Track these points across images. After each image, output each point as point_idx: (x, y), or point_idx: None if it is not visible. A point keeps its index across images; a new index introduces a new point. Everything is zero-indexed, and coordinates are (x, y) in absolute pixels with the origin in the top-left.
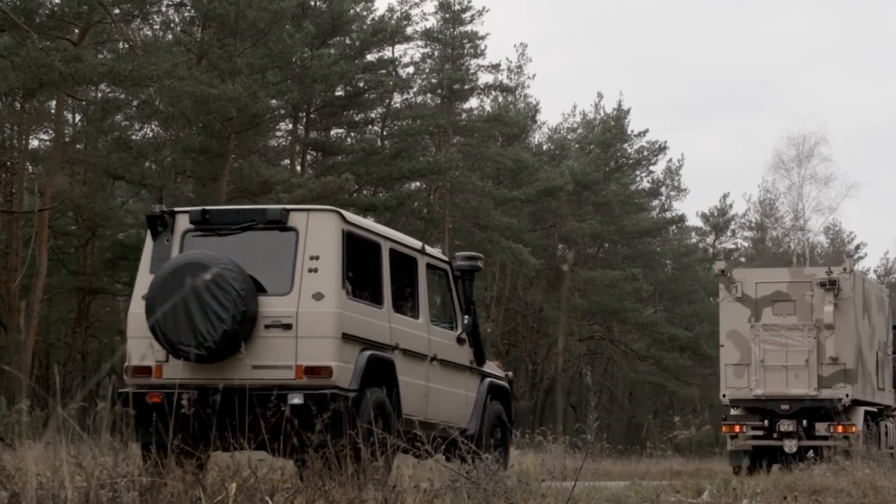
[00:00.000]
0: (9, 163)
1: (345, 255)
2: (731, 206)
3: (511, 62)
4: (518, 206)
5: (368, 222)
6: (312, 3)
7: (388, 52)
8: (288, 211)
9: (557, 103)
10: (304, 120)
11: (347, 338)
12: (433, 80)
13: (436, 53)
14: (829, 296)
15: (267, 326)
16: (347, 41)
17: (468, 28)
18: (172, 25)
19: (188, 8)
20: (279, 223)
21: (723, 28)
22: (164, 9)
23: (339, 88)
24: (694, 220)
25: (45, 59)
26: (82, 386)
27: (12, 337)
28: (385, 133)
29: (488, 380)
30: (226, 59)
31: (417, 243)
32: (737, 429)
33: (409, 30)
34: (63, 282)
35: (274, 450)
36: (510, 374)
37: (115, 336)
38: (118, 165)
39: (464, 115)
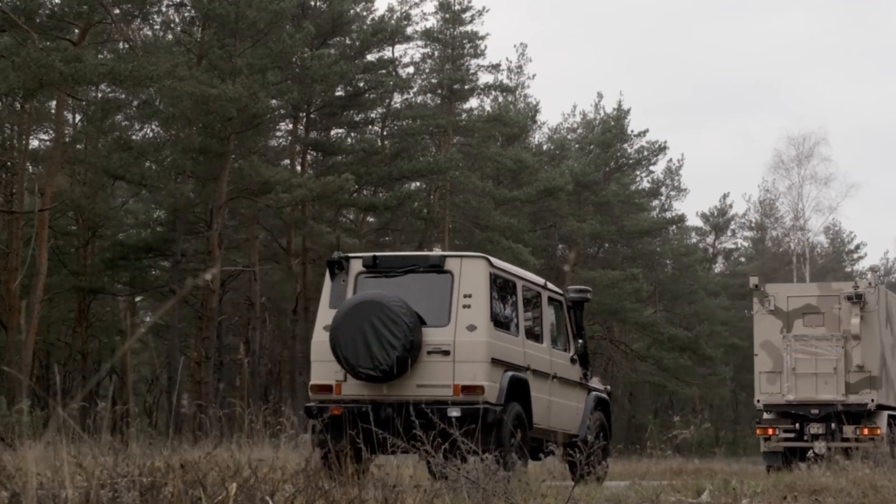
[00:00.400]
0: (9, 163)
1: (491, 293)
2: (731, 206)
3: (511, 62)
4: (518, 206)
5: (507, 265)
6: (312, 3)
7: (388, 53)
8: (445, 257)
9: (557, 103)
10: (304, 120)
11: (494, 361)
12: (433, 81)
13: (436, 53)
14: (855, 308)
15: (429, 352)
16: (347, 41)
17: (468, 28)
18: (172, 25)
19: (188, 8)
20: (437, 267)
21: (723, 28)
22: (164, 9)
23: (339, 88)
24: (694, 220)
25: (45, 60)
26: (82, 386)
27: (12, 337)
28: (385, 133)
29: (594, 393)
30: (226, 59)
31: (541, 280)
32: (770, 431)
33: (409, 30)
34: (63, 282)
35: (428, 452)
36: (608, 387)
37: (115, 336)
38: (118, 165)
39: (464, 116)
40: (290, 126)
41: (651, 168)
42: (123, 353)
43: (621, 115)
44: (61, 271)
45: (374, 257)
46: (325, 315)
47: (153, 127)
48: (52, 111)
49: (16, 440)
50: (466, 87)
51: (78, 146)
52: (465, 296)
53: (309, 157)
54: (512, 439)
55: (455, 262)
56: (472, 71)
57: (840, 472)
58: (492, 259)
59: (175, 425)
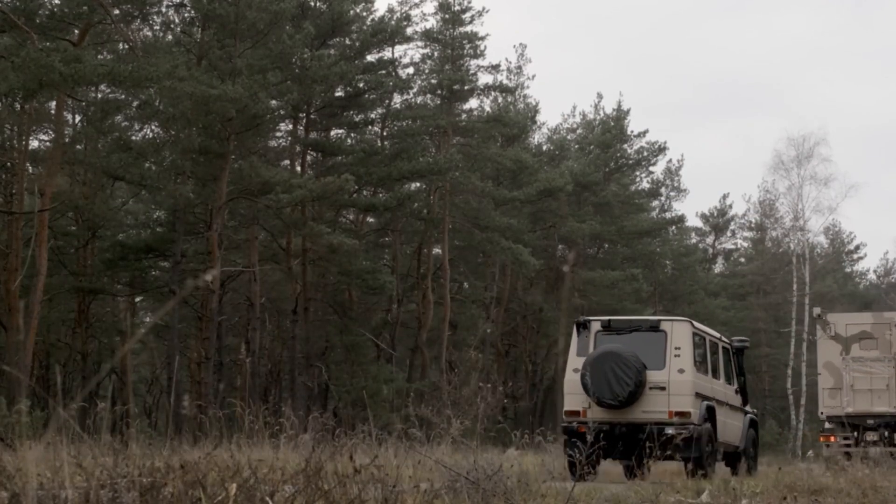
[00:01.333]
0: (9, 163)
1: (693, 346)
2: (730, 206)
3: (510, 63)
4: (518, 206)
5: (701, 326)
6: (312, 3)
7: (387, 53)
8: (660, 321)
9: (557, 104)
10: (304, 120)
11: (697, 395)
12: (433, 81)
13: (435, 54)
14: None
15: (651, 388)
16: (347, 42)
17: (468, 29)
18: (172, 26)
19: (188, 9)
20: (655, 328)
21: (723, 28)
22: (163, 9)
23: (338, 89)
24: (694, 221)
25: (45, 60)
26: (82, 386)
27: (12, 337)
28: (385, 133)
29: (748, 415)
30: (226, 59)
31: (717, 334)
32: (832, 438)
33: (408, 30)
34: (63, 282)
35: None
36: (756, 411)
37: (115, 336)
38: (118, 166)
39: (464, 116)
40: (290, 126)
41: (651, 168)
42: (124, 354)
43: (621, 115)
44: (61, 272)
45: (609, 321)
46: (573, 361)
47: (153, 127)
48: (52, 111)
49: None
50: (466, 87)
51: (78, 147)
52: (675, 348)
53: (309, 157)
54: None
55: (668, 324)
56: (471, 71)
57: (840, 473)
58: (693, 322)
59: (175, 426)
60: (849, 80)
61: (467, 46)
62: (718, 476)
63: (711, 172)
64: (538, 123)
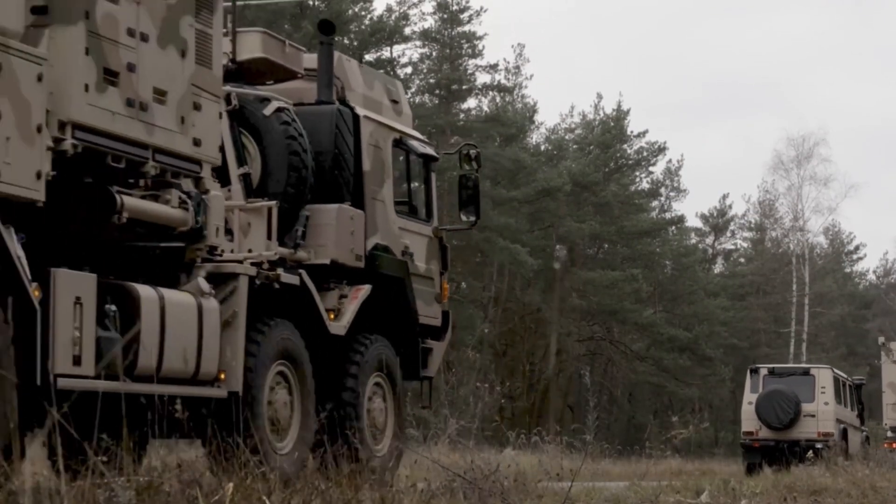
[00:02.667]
0: None
1: (835, 386)
2: (730, 206)
3: (509, 62)
4: (516, 206)
5: (838, 371)
6: (311, 2)
7: (386, 53)
8: (809, 368)
9: (555, 104)
10: None
11: (836, 420)
12: (431, 81)
13: (434, 54)
14: None
15: (804, 416)
16: (346, 41)
17: (466, 28)
18: None
19: None
20: (806, 373)
21: (723, 28)
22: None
23: None
24: (693, 221)
25: None
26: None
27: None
28: None
29: (864, 433)
30: None
31: (845, 375)
32: (894, 445)
33: (407, 30)
34: None
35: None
36: (867, 429)
37: None
38: None
39: (462, 116)
40: None
41: (650, 169)
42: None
43: (621, 115)
44: None
45: (773, 368)
46: (748, 396)
47: None
48: None
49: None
50: (464, 87)
51: None
52: (821, 387)
53: None
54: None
55: (815, 370)
56: (469, 71)
57: (840, 473)
58: (833, 368)
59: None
60: (849, 79)
61: (465, 46)
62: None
63: (711, 172)
64: (536, 123)
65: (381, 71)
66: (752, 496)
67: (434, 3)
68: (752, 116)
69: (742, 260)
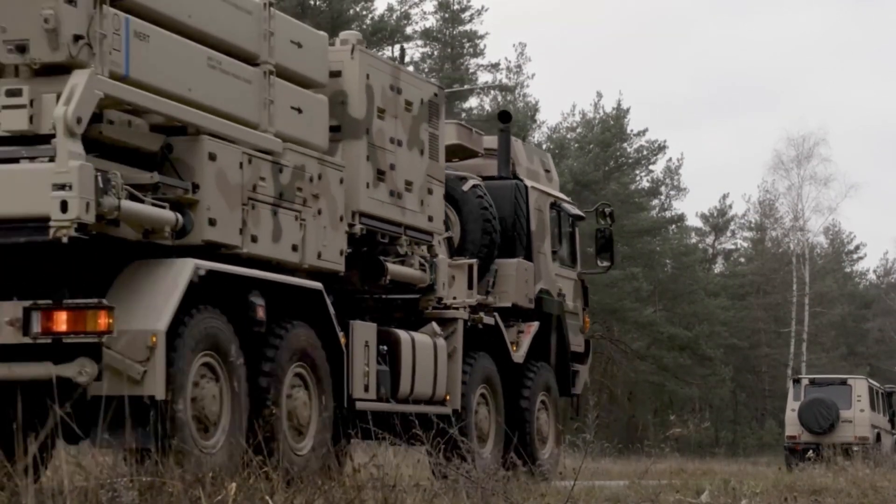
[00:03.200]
0: None
1: (870, 394)
2: (730, 206)
3: (510, 62)
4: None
5: (872, 381)
6: (312, 2)
7: (387, 52)
8: (846, 378)
9: (557, 103)
10: None
11: (872, 426)
12: (432, 80)
13: (435, 53)
14: None
15: (842, 422)
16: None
17: (467, 27)
18: None
19: None
20: (844, 382)
21: (723, 28)
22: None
23: None
24: (693, 220)
25: None
26: None
27: None
28: None
29: (894, 437)
30: None
31: (878, 384)
32: None
33: (408, 29)
34: None
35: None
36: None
37: None
38: None
39: (463, 115)
40: None
41: (650, 167)
42: None
43: (621, 114)
44: None
45: (814, 378)
46: (791, 404)
47: None
48: None
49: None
50: (465, 86)
51: None
52: (857, 396)
53: None
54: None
55: (852, 380)
56: (471, 70)
57: (840, 472)
58: (868, 378)
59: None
60: (850, 79)
61: (467, 45)
62: (720, 475)
63: (711, 172)
64: (538, 122)
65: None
66: (753, 496)
67: (435, 3)
68: (753, 116)
69: (742, 259)
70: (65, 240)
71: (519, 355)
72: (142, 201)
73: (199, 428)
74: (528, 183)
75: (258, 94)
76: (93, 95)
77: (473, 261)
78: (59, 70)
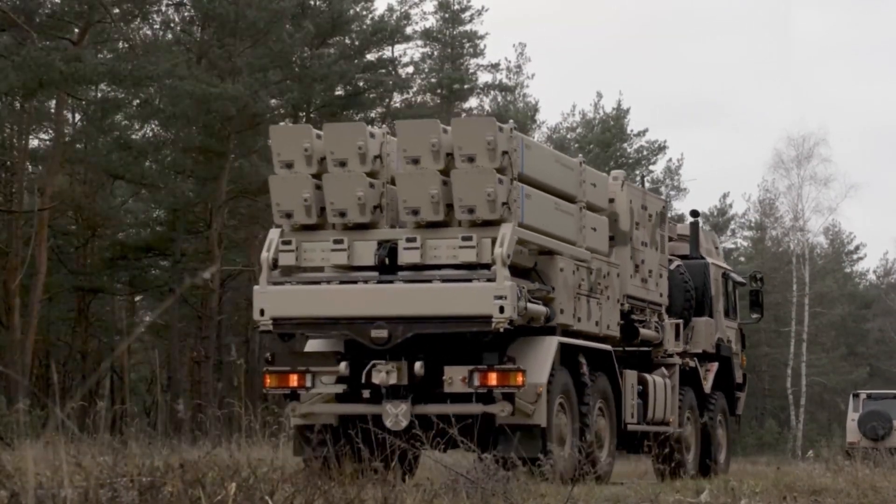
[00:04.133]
0: (9, 162)
1: None
2: (730, 205)
3: (510, 62)
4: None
5: None
6: (312, 2)
7: (387, 52)
8: None
9: (557, 103)
10: (305, 119)
11: None
12: (433, 80)
13: (435, 53)
14: None
15: (895, 430)
16: (347, 41)
17: (467, 28)
18: (172, 25)
19: (188, 7)
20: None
21: (722, 28)
22: (163, 8)
23: (339, 88)
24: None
25: (45, 59)
26: (82, 385)
27: (12, 336)
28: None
29: None
30: (226, 58)
31: None
32: None
33: (408, 29)
34: (63, 281)
35: None
36: None
37: (114, 336)
38: (118, 165)
39: (463, 115)
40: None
41: (651, 167)
42: (122, 352)
43: (621, 114)
44: (61, 271)
45: (870, 393)
46: (851, 415)
47: (153, 126)
48: (52, 110)
49: (15, 439)
50: (466, 86)
51: (78, 145)
52: None
53: None
54: None
55: None
56: (471, 70)
57: (840, 472)
58: None
59: (174, 425)
60: (850, 78)
61: (467, 45)
62: (720, 476)
63: (711, 172)
64: (538, 122)
65: (383, 70)
66: (752, 496)
67: (435, 3)
68: (753, 115)
69: (742, 259)
70: (501, 330)
71: (707, 387)
72: (534, 302)
73: (559, 443)
74: (710, 260)
75: (577, 222)
76: (514, 239)
77: (680, 321)
78: (493, 223)
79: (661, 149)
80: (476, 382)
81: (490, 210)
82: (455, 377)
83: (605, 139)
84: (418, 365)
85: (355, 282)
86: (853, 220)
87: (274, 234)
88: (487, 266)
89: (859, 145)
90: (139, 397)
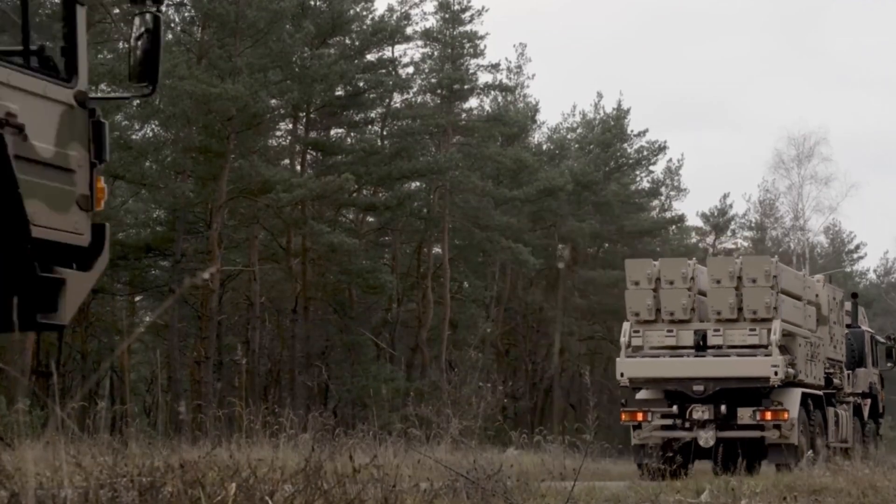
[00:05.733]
0: None
1: None
2: (731, 205)
3: (510, 62)
4: (518, 205)
5: None
6: (312, 2)
7: (387, 52)
8: None
9: (557, 103)
10: (304, 120)
11: None
12: (433, 80)
13: (435, 53)
14: None
15: None
16: (347, 41)
17: (468, 28)
18: (172, 25)
19: (188, 7)
20: None
21: (724, 27)
22: (163, 8)
23: (339, 88)
24: (694, 220)
25: None
26: (82, 385)
27: (12, 336)
28: (385, 133)
29: None
30: (226, 58)
31: None
32: None
33: (408, 30)
34: None
35: None
36: None
37: (115, 336)
38: (118, 165)
39: (463, 115)
40: (290, 125)
41: (651, 168)
42: (122, 352)
43: (621, 114)
44: None
45: None
46: None
47: (153, 126)
48: None
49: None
50: (466, 86)
51: None
52: None
53: (309, 156)
54: None
55: None
56: (471, 71)
57: (839, 472)
58: None
59: (174, 425)
60: (850, 77)
61: (467, 45)
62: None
63: (711, 172)
64: (538, 122)
65: (383, 71)
66: (753, 496)
67: (435, 3)
68: (752, 115)
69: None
70: (775, 385)
71: (865, 416)
72: (789, 367)
73: (801, 455)
74: (864, 328)
75: (803, 312)
76: (781, 330)
77: (849, 371)
78: (767, 320)
79: (662, 149)
80: (758, 417)
81: (766, 312)
82: (745, 414)
83: (605, 139)
84: (722, 407)
85: (681, 356)
86: (854, 220)
87: (626, 326)
88: (765, 346)
89: (860, 145)
90: (139, 397)
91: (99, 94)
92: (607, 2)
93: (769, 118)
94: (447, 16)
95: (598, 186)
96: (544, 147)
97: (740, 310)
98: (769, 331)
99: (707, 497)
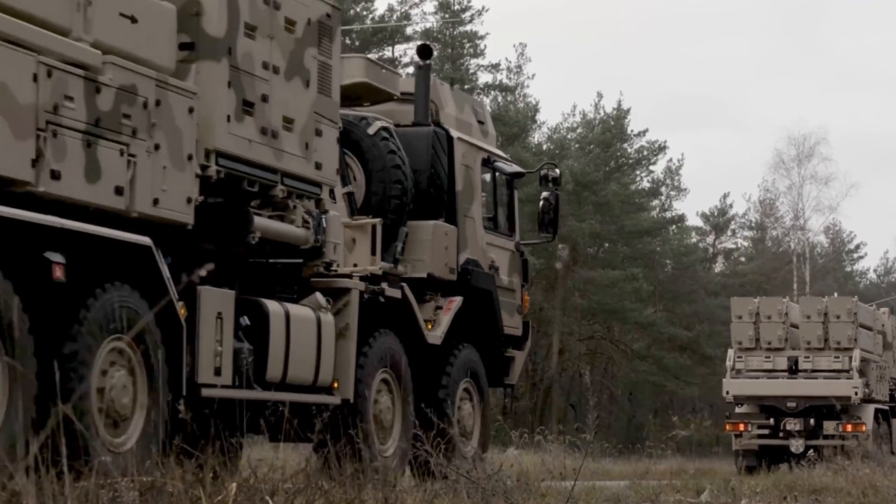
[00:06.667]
0: None
1: None
2: (731, 205)
3: (510, 62)
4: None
5: None
6: None
7: (388, 52)
8: None
9: (557, 103)
10: None
11: None
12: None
13: (435, 53)
14: None
15: None
16: (347, 41)
17: (468, 28)
18: None
19: None
20: None
21: (724, 27)
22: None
23: None
24: (694, 220)
25: None
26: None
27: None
28: None
29: None
30: None
31: None
32: None
33: (408, 30)
34: None
35: None
36: None
37: None
38: None
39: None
40: None
41: (651, 168)
42: None
43: (621, 114)
44: None
45: None
46: None
47: None
48: None
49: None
50: (466, 86)
51: None
52: None
53: None
54: None
55: None
56: (471, 71)
57: (840, 472)
58: None
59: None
60: (850, 77)
61: (467, 46)
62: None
63: (711, 172)
64: (538, 122)
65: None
66: (753, 495)
67: (435, 3)
68: (752, 115)
69: (742, 259)
70: (855, 403)
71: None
72: (866, 388)
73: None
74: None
75: (873, 339)
76: (859, 357)
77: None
78: (849, 349)
79: (662, 149)
80: (840, 429)
81: (848, 343)
82: (829, 427)
83: (605, 139)
84: (811, 420)
85: (776, 378)
86: (854, 219)
87: (731, 353)
88: (847, 371)
89: (860, 144)
90: None
91: (526, 241)
92: (607, 1)
93: (769, 118)
94: (447, 16)
95: (599, 186)
96: (544, 147)
97: (826, 340)
98: (850, 358)
99: (707, 497)
